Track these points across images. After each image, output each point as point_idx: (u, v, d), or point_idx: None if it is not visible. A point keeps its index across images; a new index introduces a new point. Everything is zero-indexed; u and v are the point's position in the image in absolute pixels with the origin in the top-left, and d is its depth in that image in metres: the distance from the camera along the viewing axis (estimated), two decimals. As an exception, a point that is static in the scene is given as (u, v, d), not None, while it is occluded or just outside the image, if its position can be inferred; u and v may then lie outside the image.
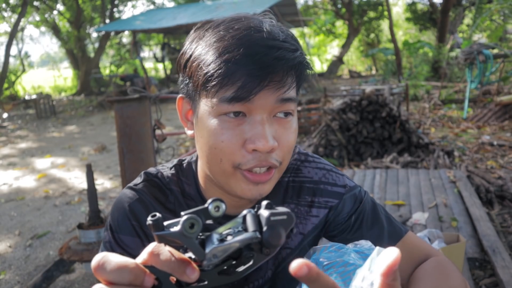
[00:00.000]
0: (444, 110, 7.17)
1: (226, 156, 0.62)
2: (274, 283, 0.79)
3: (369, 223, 0.77)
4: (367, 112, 4.33)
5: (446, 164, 3.68)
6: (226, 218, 0.74)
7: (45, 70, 36.64)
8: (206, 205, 0.41)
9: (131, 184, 0.76)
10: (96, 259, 0.38)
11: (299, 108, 5.94)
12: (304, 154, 0.83)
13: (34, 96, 11.75)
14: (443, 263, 0.74)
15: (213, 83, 0.59)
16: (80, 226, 2.14)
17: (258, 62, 0.57)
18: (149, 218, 0.40)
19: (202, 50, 0.62)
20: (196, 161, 0.77)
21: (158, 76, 19.25)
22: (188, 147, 5.82)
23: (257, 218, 0.41)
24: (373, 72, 19.16)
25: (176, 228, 0.39)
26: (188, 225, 0.38)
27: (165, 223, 0.41)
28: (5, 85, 13.96)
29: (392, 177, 3.32)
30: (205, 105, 0.63)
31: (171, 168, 0.78)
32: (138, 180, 0.76)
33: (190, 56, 0.64)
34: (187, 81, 0.66)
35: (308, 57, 0.67)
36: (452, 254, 1.58)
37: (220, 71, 0.58)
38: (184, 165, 0.79)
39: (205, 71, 0.60)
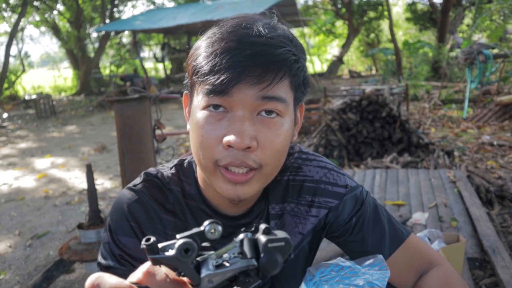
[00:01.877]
0: (444, 110, 7.17)
1: (205, 151, 0.62)
2: (274, 283, 0.79)
3: (371, 226, 0.76)
4: (367, 112, 4.33)
5: (446, 164, 3.68)
6: (224, 218, 0.75)
7: (45, 70, 36.62)
8: (202, 227, 0.40)
9: (130, 185, 0.76)
10: (91, 280, 0.38)
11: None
12: (305, 153, 0.83)
13: (34, 96, 11.74)
14: (448, 274, 0.73)
15: (197, 76, 0.62)
16: (80, 226, 2.14)
17: (238, 56, 0.58)
18: (143, 242, 0.39)
19: (196, 46, 0.65)
20: None
21: (158, 76, 19.25)
22: (188, 147, 5.82)
23: (254, 242, 0.40)
24: (373, 72, 19.15)
25: (171, 252, 0.38)
26: (182, 249, 0.38)
27: (160, 245, 0.40)
28: (5, 85, 13.95)
29: (392, 177, 3.32)
30: (195, 99, 0.65)
31: (171, 168, 0.78)
32: (137, 180, 0.76)
33: (190, 53, 0.67)
34: (186, 76, 0.69)
35: (305, 57, 0.67)
36: (452, 254, 1.58)
37: (202, 64, 0.60)
38: (185, 164, 0.79)
39: (193, 64, 0.63)
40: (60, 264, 2.28)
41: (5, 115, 11.23)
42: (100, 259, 0.73)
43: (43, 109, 10.58)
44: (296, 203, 0.78)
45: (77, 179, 4.58)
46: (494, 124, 5.69)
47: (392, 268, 0.74)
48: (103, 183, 4.35)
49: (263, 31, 0.61)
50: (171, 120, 8.41)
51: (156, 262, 0.40)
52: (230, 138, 0.59)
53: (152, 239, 0.39)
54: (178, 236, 0.39)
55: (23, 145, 7.06)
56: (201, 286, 0.39)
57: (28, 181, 4.66)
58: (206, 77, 0.60)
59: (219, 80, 0.58)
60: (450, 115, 6.60)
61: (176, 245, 0.38)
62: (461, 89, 8.48)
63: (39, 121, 9.87)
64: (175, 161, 0.80)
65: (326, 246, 2.01)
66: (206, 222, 0.41)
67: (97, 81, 16.02)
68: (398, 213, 2.56)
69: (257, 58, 0.58)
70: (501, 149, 4.39)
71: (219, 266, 0.39)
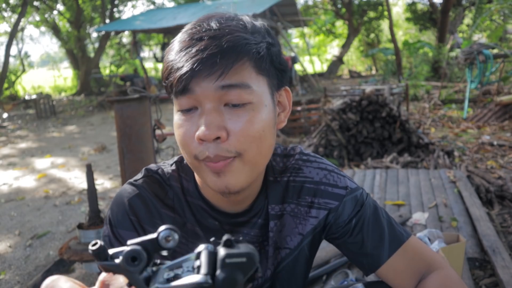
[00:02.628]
0: (444, 110, 7.16)
1: (186, 148, 0.65)
2: (273, 283, 0.79)
3: (370, 228, 0.76)
4: (367, 112, 4.33)
5: (446, 164, 3.68)
6: (222, 215, 0.75)
7: (45, 70, 36.61)
8: (155, 234, 0.37)
9: (131, 180, 0.77)
10: (46, 283, 0.38)
11: (299, 108, 5.94)
12: (306, 154, 0.83)
13: (34, 96, 11.74)
14: (448, 279, 0.72)
15: (164, 80, 0.64)
16: (80, 226, 2.14)
17: (189, 53, 0.60)
18: (90, 246, 0.36)
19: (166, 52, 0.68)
20: None
21: (158, 76, 19.23)
22: (188, 147, 5.82)
23: (213, 256, 0.35)
24: (373, 72, 19.15)
25: (118, 260, 0.35)
26: (129, 257, 0.35)
27: (111, 251, 0.37)
28: (5, 85, 13.96)
29: (392, 177, 3.32)
30: (174, 102, 0.67)
31: (171, 165, 0.79)
32: (138, 176, 0.77)
33: None
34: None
35: (270, 40, 0.66)
36: (452, 254, 1.58)
37: (165, 68, 0.64)
38: (185, 161, 0.79)
39: (163, 69, 0.66)
40: (60, 264, 2.28)
41: (5, 115, 11.23)
42: None
43: (43, 109, 10.58)
44: (296, 204, 0.78)
45: (77, 179, 4.58)
46: (494, 124, 5.69)
47: (391, 271, 0.74)
48: (103, 183, 4.35)
49: (214, 25, 0.62)
50: (171, 120, 8.38)
51: (105, 269, 0.36)
52: (199, 131, 0.60)
53: (99, 243, 0.36)
54: (129, 242, 0.36)
55: (23, 145, 7.06)
56: None
57: (28, 181, 4.66)
58: (168, 80, 0.63)
59: (176, 79, 0.60)
60: (450, 115, 6.60)
61: (123, 253, 0.35)
62: (461, 89, 8.48)
63: (39, 121, 9.87)
64: (175, 158, 0.81)
65: (326, 246, 2.01)
66: (162, 228, 0.37)
67: (97, 81, 16.02)
68: (398, 213, 2.56)
69: (205, 50, 0.59)
70: (501, 149, 4.39)
71: (171, 279, 0.36)
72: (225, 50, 0.59)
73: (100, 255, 0.36)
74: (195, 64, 0.59)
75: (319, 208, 0.78)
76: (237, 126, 0.61)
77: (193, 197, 0.76)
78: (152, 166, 0.79)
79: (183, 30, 0.65)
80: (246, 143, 0.62)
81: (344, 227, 0.77)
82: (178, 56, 0.61)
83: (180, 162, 0.79)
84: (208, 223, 0.75)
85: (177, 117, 0.66)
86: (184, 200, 0.75)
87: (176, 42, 0.64)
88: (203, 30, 0.62)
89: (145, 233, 0.72)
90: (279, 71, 0.68)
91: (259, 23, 0.68)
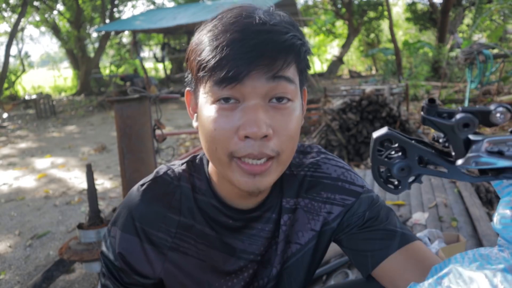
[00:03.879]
0: (444, 110, 7.16)
1: (219, 144, 0.61)
2: (281, 278, 0.78)
3: (382, 225, 0.74)
4: (367, 112, 4.33)
5: (446, 164, 3.68)
6: (235, 212, 0.74)
7: (45, 70, 36.62)
8: (491, 107, 0.38)
9: (140, 182, 0.77)
10: None
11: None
12: (324, 153, 0.84)
13: (34, 96, 11.74)
14: None
15: (205, 69, 0.60)
16: (80, 226, 2.14)
17: (245, 46, 0.57)
18: (425, 102, 0.40)
19: (198, 41, 0.64)
20: None
21: (158, 76, 19.25)
22: (188, 147, 5.82)
23: None
24: (373, 72, 19.15)
25: (448, 121, 0.38)
26: (462, 123, 0.37)
27: (441, 110, 0.40)
28: (5, 85, 13.96)
29: (392, 177, 3.32)
30: (202, 94, 0.64)
31: (182, 164, 0.79)
32: (148, 178, 0.78)
33: (190, 49, 0.66)
34: (188, 73, 0.68)
35: (306, 40, 0.66)
36: (452, 254, 1.58)
37: (210, 57, 0.59)
38: (197, 160, 0.79)
39: (198, 59, 0.62)
40: (60, 264, 2.28)
41: (5, 115, 11.23)
42: (103, 247, 0.76)
43: (43, 109, 10.58)
44: (311, 199, 0.78)
45: (77, 179, 4.58)
46: (494, 124, 5.69)
47: (394, 267, 0.71)
48: (103, 183, 4.35)
49: (265, 18, 0.60)
50: (171, 120, 8.41)
51: (427, 123, 0.40)
52: (248, 129, 0.58)
53: (437, 101, 0.40)
54: (460, 108, 0.39)
55: (23, 145, 7.06)
56: (460, 164, 0.38)
57: (28, 181, 4.66)
58: (213, 71, 0.59)
59: (231, 72, 0.57)
60: (450, 115, 6.60)
61: (457, 117, 0.37)
62: (461, 89, 8.48)
63: (39, 121, 9.87)
64: (188, 158, 0.81)
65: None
66: (496, 105, 0.38)
67: (97, 81, 16.02)
68: (398, 213, 2.56)
69: (264, 47, 0.58)
70: (501, 149, 4.39)
71: (494, 153, 0.37)
72: (284, 48, 0.59)
73: (431, 110, 0.39)
74: (253, 61, 0.57)
75: (335, 204, 0.77)
76: (281, 125, 0.61)
77: (205, 195, 0.75)
78: (163, 167, 0.79)
79: (225, 19, 0.62)
80: (285, 142, 0.62)
81: (356, 221, 0.76)
82: (231, 47, 0.57)
83: (192, 162, 0.79)
84: (220, 221, 0.75)
85: (211, 109, 0.62)
86: (194, 200, 0.75)
87: (222, 32, 0.60)
88: (257, 22, 0.59)
89: (149, 239, 0.72)
90: (306, 72, 0.68)
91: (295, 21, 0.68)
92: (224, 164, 0.63)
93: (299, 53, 0.62)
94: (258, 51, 0.57)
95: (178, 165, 0.79)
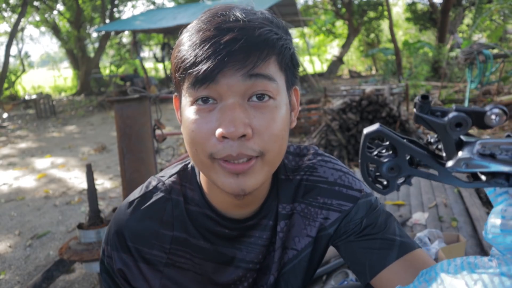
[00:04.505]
0: (444, 110, 7.16)
1: (199, 146, 0.60)
2: (279, 285, 0.77)
3: (381, 232, 0.72)
4: (367, 112, 4.33)
5: (446, 164, 3.68)
6: (231, 222, 0.72)
7: (45, 70, 36.63)
8: (486, 108, 0.38)
9: (129, 199, 0.75)
10: None
11: (299, 108, 5.94)
12: (321, 154, 0.80)
13: (34, 96, 11.75)
14: None
15: (180, 72, 0.60)
16: (80, 226, 2.14)
17: (217, 43, 0.56)
18: (418, 98, 0.39)
19: (178, 42, 0.63)
20: None
21: (158, 76, 19.25)
22: (188, 147, 5.82)
23: None
24: (373, 72, 19.15)
25: (440, 119, 0.37)
26: (454, 123, 0.37)
27: (434, 108, 0.39)
28: (5, 85, 13.96)
29: (392, 177, 3.32)
30: (183, 96, 0.63)
31: (172, 176, 0.76)
32: (136, 194, 0.75)
33: (173, 51, 0.65)
34: (172, 76, 0.67)
35: (290, 37, 0.65)
36: (452, 254, 1.58)
37: (184, 58, 0.59)
38: (188, 169, 0.77)
39: (175, 61, 0.61)
40: (60, 264, 2.28)
41: (5, 115, 11.23)
42: (102, 268, 0.75)
43: (43, 109, 10.58)
44: (307, 204, 0.75)
45: (77, 179, 4.58)
46: (494, 124, 5.69)
47: (393, 277, 0.69)
48: (103, 183, 4.35)
49: (239, 15, 0.59)
50: (171, 120, 8.41)
51: (419, 121, 0.39)
52: (224, 129, 0.56)
53: (430, 97, 0.39)
54: (454, 106, 0.38)
55: (23, 145, 7.06)
56: (450, 166, 0.37)
57: (28, 181, 4.66)
58: (189, 71, 0.58)
59: (202, 71, 0.56)
60: (450, 115, 6.60)
61: (449, 116, 0.37)
62: (461, 89, 8.48)
63: (39, 121, 9.87)
64: (179, 166, 0.77)
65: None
66: (491, 106, 0.37)
67: (97, 81, 16.02)
68: (398, 213, 2.56)
69: (237, 42, 0.56)
70: (501, 149, 4.39)
71: (486, 156, 0.36)
72: (257, 43, 0.57)
73: (424, 108, 0.38)
74: (226, 57, 0.55)
75: (332, 209, 0.74)
76: (262, 124, 0.58)
77: (199, 206, 0.73)
78: (152, 180, 0.76)
79: (201, 18, 0.61)
80: (270, 142, 0.59)
81: (353, 228, 0.74)
82: (203, 46, 0.57)
83: (183, 171, 0.76)
84: (216, 231, 0.73)
85: (190, 111, 0.60)
86: (186, 212, 0.73)
87: (196, 31, 0.59)
88: (231, 20, 0.58)
89: (143, 258, 0.71)
90: (293, 69, 0.66)
91: (277, 18, 0.66)
92: (207, 166, 0.61)
93: (274, 48, 0.59)
94: (230, 47, 0.56)
95: (168, 176, 0.76)
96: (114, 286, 0.74)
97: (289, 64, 0.64)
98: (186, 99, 0.62)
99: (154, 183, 0.75)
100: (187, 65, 0.58)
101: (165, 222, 0.72)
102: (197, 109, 0.59)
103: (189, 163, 0.78)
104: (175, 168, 0.78)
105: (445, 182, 0.40)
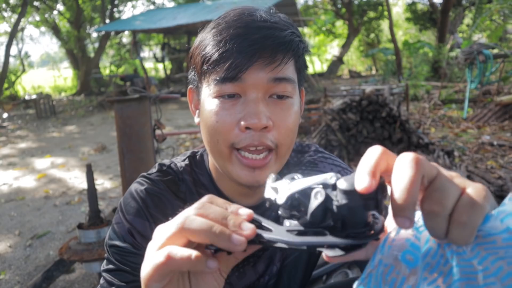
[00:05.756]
0: (444, 110, 7.16)
1: (221, 136, 0.64)
2: (281, 276, 0.80)
3: None
4: (367, 112, 4.33)
5: (446, 164, 3.68)
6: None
7: (45, 70, 36.64)
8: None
9: (145, 173, 0.78)
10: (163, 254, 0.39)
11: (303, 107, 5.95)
12: (321, 152, 0.86)
13: (34, 96, 11.75)
14: None
15: (208, 64, 0.63)
16: (80, 226, 2.14)
17: (247, 41, 0.60)
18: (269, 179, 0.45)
19: (201, 38, 0.67)
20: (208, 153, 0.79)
21: (158, 76, 19.25)
22: (188, 147, 5.82)
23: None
24: (373, 72, 19.15)
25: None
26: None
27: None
28: (5, 85, 13.95)
29: (392, 177, 3.32)
30: (205, 89, 0.67)
31: (184, 160, 0.81)
32: (152, 170, 0.79)
33: (194, 46, 0.69)
34: (192, 70, 0.71)
35: (304, 40, 0.69)
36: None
37: (213, 52, 0.63)
38: (197, 156, 0.81)
39: (202, 53, 0.65)
40: (60, 264, 2.28)
41: (5, 115, 11.23)
42: (107, 239, 0.75)
43: (43, 109, 10.58)
44: None
45: (77, 179, 4.58)
46: (494, 124, 5.69)
47: None
48: (103, 183, 4.34)
49: (266, 16, 0.63)
50: (171, 120, 8.41)
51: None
52: (249, 120, 0.61)
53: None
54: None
55: (23, 145, 7.06)
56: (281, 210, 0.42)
57: (28, 181, 4.66)
58: (217, 65, 0.62)
59: (232, 66, 0.60)
60: (450, 115, 6.60)
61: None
62: (461, 89, 8.48)
63: (39, 121, 9.87)
64: (188, 153, 0.82)
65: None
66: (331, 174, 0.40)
67: (97, 81, 16.01)
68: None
69: (266, 41, 0.60)
70: (501, 149, 4.39)
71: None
72: (284, 43, 0.61)
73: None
74: (255, 54, 0.60)
75: None
76: (280, 118, 0.64)
77: (207, 190, 0.77)
78: (165, 161, 0.81)
79: (227, 17, 0.65)
80: (284, 136, 0.65)
81: None
82: (233, 41, 0.60)
83: (193, 157, 0.81)
84: None
85: (213, 103, 0.64)
86: (196, 192, 0.77)
87: (225, 28, 0.62)
88: (259, 19, 0.62)
89: (155, 221, 0.73)
90: (304, 71, 0.71)
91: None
92: (224, 157, 0.65)
93: (297, 50, 0.64)
94: (260, 44, 0.60)
95: (180, 160, 0.81)
96: (120, 259, 0.72)
97: (303, 66, 0.70)
98: (209, 91, 0.65)
99: (167, 163, 0.80)
100: (216, 59, 0.62)
101: (180, 196, 0.76)
102: (221, 101, 0.64)
103: (197, 152, 0.83)
104: (184, 155, 0.82)
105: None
